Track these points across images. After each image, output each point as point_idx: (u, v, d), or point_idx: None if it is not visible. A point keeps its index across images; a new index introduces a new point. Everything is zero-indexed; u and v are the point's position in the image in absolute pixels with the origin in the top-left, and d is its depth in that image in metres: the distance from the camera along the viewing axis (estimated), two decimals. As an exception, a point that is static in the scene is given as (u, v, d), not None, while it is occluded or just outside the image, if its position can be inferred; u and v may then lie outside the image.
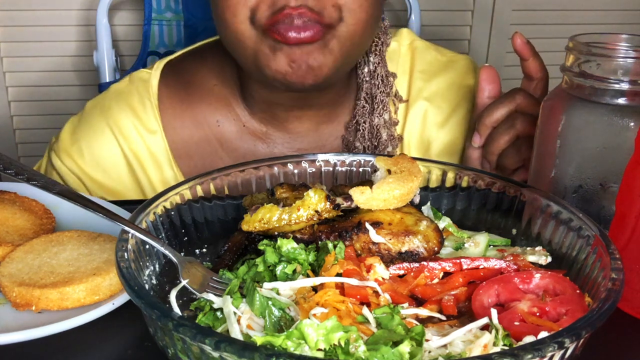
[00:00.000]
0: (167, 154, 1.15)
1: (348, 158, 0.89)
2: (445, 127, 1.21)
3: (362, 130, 1.17)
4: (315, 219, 0.73)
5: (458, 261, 0.71)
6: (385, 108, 1.18)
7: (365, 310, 0.61)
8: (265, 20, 0.95)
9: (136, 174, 1.16)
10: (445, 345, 0.59)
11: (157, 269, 0.72)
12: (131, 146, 1.15)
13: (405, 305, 0.65)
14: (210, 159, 1.17)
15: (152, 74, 1.18)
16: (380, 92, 1.18)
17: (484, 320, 0.61)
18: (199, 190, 0.81)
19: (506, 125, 1.00)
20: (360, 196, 0.74)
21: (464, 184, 0.86)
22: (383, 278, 0.68)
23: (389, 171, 0.77)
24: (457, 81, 1.23)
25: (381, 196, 0.74)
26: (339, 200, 0.74)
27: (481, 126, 1.03)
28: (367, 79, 1.18)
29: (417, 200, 0.80)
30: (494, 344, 0.58)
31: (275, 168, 0.87)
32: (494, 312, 0.61)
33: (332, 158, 0.89)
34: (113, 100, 1.17)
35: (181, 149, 1.17)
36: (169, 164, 1.15)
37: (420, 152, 1.22)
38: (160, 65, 1.19)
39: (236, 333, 0.59)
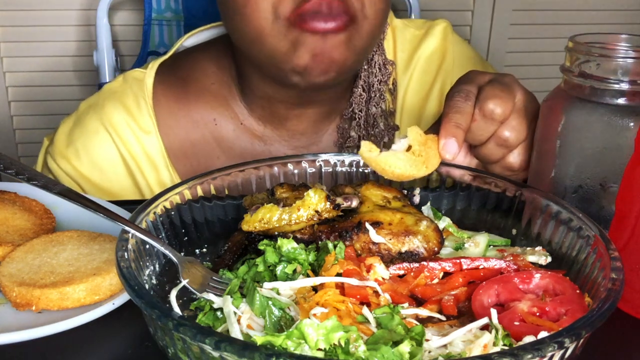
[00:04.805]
0: (162, 154, 1.14)
1: (348, 158, 0.89)
2: (430, 97, 1.20)
3: (357, 119, 1.16)
4: (315, 219, 0.73)
5: (458, 261, 0.71)
6: (382, 97, 1.17)
7: (365, 310, 0.61)
8: (289, 12, 0.93)
9: (133, 174, 1.15)
10: (445, 345, 0.59)
11: (157, 269, 0.72)
12: (127, 146, 1.14)
13: (405, 305, 0.65)
14: (207, 158, 1.16)
15: (147, 74, 1.17)
16: (377, 81, 1.17)
17: (484, 320, 0.61)
18: (199, 190, 0.81)
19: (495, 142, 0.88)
20: (368, 152, 0.73)
21: (464, 184, 0.86)
22: (383, 278, 0.68)
23: (410, 147, 0.76)
24: (438, 49, 1.23)
25: (382, 165, 0.73)
26: (339, 200, 0.74)
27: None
28: (365, 67, 1.16)
29: (417, 200, 0.80)
30: (494, 344, 0.58)
31: (275, 168, 0.87)
32: (493, 312, 0.61)
33: (332, 158, 0.89)
34: (107, 100, 1.16)
35: (177, 149, 1.16)
36: (165, 165, 1.15)
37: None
38: (155, 64, 1.18)
39: (236, 333, 0.59)
